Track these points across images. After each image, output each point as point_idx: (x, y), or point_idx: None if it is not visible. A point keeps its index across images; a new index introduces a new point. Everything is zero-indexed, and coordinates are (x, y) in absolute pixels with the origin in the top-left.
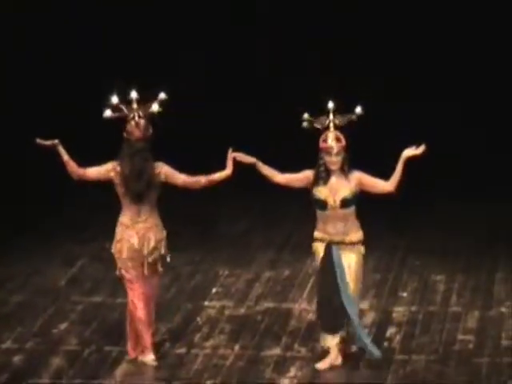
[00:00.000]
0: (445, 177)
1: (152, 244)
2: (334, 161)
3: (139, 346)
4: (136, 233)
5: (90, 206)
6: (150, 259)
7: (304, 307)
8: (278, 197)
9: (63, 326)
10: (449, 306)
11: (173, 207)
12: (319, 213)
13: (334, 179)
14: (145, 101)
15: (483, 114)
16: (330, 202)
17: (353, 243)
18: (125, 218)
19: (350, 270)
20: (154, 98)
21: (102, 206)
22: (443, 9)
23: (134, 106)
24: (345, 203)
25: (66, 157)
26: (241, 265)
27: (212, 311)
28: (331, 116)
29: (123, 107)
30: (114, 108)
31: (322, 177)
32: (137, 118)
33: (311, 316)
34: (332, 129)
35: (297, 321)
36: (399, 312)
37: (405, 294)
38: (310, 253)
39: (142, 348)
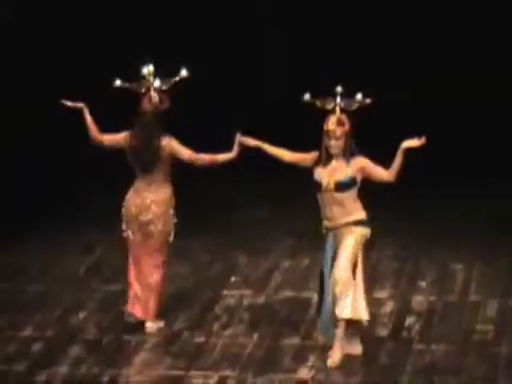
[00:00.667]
0: (464, 165)
1: (149, 216)
2: (333, 144)
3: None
4: (141, 200)
5: (108, 194)
6: (142, 229)
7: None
8: (298, 184)
9: (82, 314)
10: (468, 295)
11: (194, 195)
12: (318, 195)
13: (334, 162)
14: (160, 75)
15: None
16: (325, 183)
17: (349, 224)
18: (137, 183)
19: (341, 252)
20: (173, 74)
21: (120, 193)
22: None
23: (148, 79)
24: (339, 187)
25: (89, 120)
26: (260, 253)
27: (231, 300)
28: (338, 99)
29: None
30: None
31: (323, 159)
32: (151, 91)
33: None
34: (337, 112)
35: (316, 310)
36: (418, 301)
37: (424, 283)
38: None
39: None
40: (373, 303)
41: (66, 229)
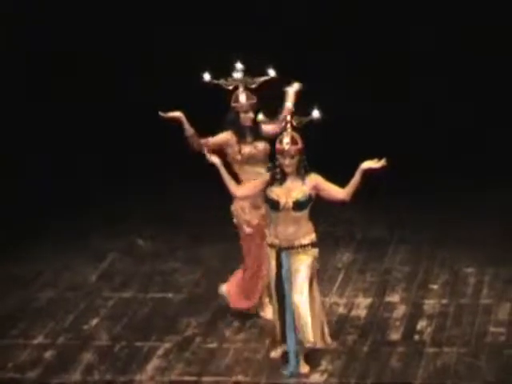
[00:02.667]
0: (470, 167)
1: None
2: (288, 163)
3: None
4: None
5: (120, 201)
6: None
7: (334, 300)
8: None
9: (94, 321)
10: (480, 299)
11: (204, 200)
12: (272, 214)
13: (289, 181)
14: (250, 73)
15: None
16: (282, 202)
17: (303, 246)
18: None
19: (297, 274)
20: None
21: (132, 201)
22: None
23: (239, 76)
24: (297, 205)
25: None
26: None
27: None
28: (288, 117)
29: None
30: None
31: (278, 178)
32: (240, 88)
33: (342, 309)
34: (289, 130)
35: (327, 314)
36: (430, 305)
37: (435, 287)
38: (338, 246)
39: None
40: (385, 307)
41: (77, 236)
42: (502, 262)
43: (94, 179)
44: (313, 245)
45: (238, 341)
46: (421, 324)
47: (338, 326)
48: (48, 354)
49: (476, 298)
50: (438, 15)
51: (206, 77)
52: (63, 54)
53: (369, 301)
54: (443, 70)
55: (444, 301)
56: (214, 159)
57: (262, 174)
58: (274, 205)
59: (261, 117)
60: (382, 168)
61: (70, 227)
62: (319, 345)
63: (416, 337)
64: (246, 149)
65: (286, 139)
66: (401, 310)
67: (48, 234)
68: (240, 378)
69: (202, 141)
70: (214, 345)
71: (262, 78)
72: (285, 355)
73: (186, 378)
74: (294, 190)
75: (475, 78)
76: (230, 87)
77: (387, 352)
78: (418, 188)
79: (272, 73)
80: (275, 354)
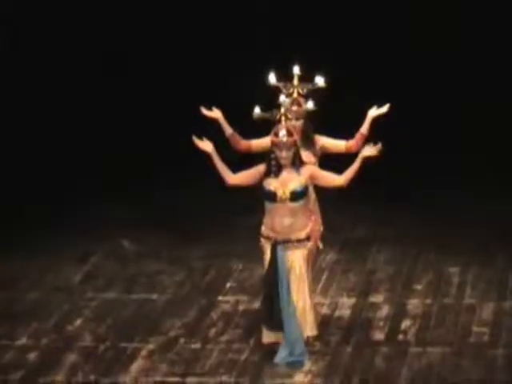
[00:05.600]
0: (454, 169)
1: None
2: (284, 155)
3: None
4: None
5: (103, 203)
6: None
7: (318, 300)
8: None
9: (78, 322)
10: (463, 299)
11: (190, 202)
12: (268, 206)
13: (284, 173)
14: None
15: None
16: (280, 193)
17: (299, 240)
18: None
19: (293, 270)
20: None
21: (116, 203)
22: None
23: (295, 82)
24: (294, 196)
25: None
26: (255, 259)
27: (226, 306)
28: (283, 109)
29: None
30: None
31: (273, 170)
32: (295, 94)
33: (326, 309)
34: (283, 122)
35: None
36: (414, 304)
37: (419, 287)
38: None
39: None
40: (369, 307)
41: (61, 238)
42: (486, 262)
43: (80, 180)
44: (308, 238)
45: (222, 341)
46: (405, 324)
47: (322, 326)
48: (32, 355)
49: (460, 298)
50: None
51: (272, 79)
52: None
53: (353, 301)
54: None
55: (428, 301)
56: (206, 146)
57: None
58: (271, 196)
59: (257, 111)
60: (380, 154)
61: (53, 228)
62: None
63: (400, 337)
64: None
65: (282, 131)
66: (385, 310)
67: (32, 234)
68: (224, 378)
69: (244, 142)
70: (198, 345)
71: (312, 86)
72: (277, 343)
73: (170, 379)
74: (291, 180)
75: None
76: (288, 92)
77: (371, 352)
78: (401, 188)
79: (321, 81)
80: (268, 339)
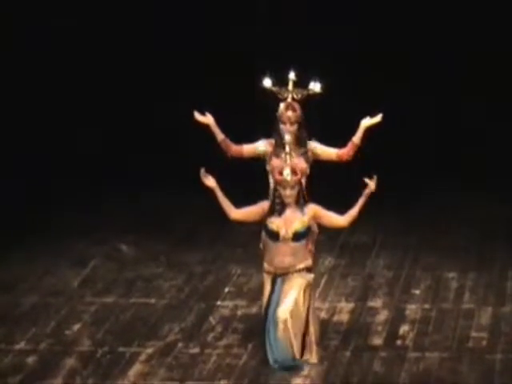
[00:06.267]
0: (455, 173)
1: None
2: (288, 194)
3: None
4: None
5: (102, 207)
6: None
7: (317, 305)
8: None
9: (76, 326)
10: (462, 303)
11: (187, 206)
12: (269, 244)
13: (288, 212)
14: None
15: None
16: (282, 232)
17: (299, 270)
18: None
19: (290, 289)
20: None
21: (114, 207)
22: None
23: (290, 87)
24: (297, 236)
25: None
26: (253, 264)
27: (225, 311)
28: (287, 148)
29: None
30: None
31: (277, 209)
32: (290, 99)
33: (324, 314)
34: (288, 161)
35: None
36: (412, 309)
37: (418, 292)
38: (321, 250)
39: None
40: (367, 312)
41: (59, 241)
42: (484, 267)
43: (79, 184)
44: (308, 269)
45: (220, 346)
46: (403, 329)
47: (321, 330)
48: (30, 360)
49: (458, 303)
50: None
51: (267, 82)
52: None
53: (351, 305)
54: None
55: (426, 306)
56: (210, 182)
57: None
58: (273, 235)
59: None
60: (377, 190)
61: (52, 232)
62: (302, 357)
63: (398, 341)
64: (276, 162)
65: (287, 170)
66: (383, 315)
67: (30, 238)
68: (222, 383)
69: (235, 147)
70: (196, 350)
71: (308, 91)
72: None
73: None
74: (294, 220)
75: None
76: (283, 96)
77: (369, 357)
78: (400, 193)
79: (318, 87)
80: None
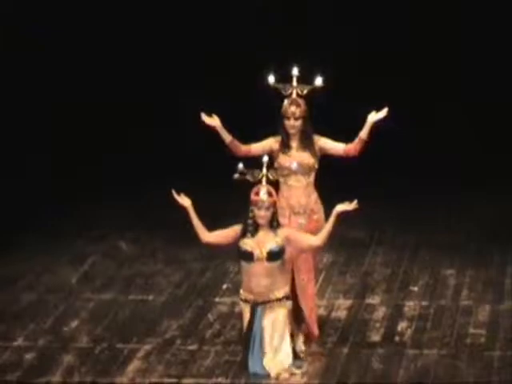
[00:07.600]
0: (452, 170)
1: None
2: (263, 215)
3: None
4: None
5: (100, 204)
6: None
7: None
8: None
9: (74, 323)
10: (460, 300)
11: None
12: (245, 267)
13: (261, 233)
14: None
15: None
16: (257, 253)
17: (279, 299)
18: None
19: (272, 325)
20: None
21: (112, 204)
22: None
23: (294, 83)
24: (271, 256)
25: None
26: None
27: (223, 307)
28: (264, 170)
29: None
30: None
31: (250, 230)
32: (294, 95)
33: (322, 311)
34: (264, 182)
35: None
36: (410, 306)
37: (416, 289)
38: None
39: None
40: (365, 309)
41: (57, 238)
42: (482, 264)
43: (77, 181)
44: (287, 297)
45: (218, 343)
46: (401, 325)
47: (319, 327)
48: (28, 356)
49: (456, 300)
50: None
51: (271, 80)
52: None
53: (349, 302)
54: None
55: (424, 302)
56: (184, 202)
57: (294, 186)
58: (247, 256)
59: (240, 167)
60: (356, 210)
61: (50, 229)
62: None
63: (396, 338)
64: (283, 159)
65: (263, 190)
66: (381, 312)
67: (29, 235)
68: (220, 380)
69: (243, 148)
70: (194, 347)
71: (311, 87)
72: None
73: (167, 380)
74: (268, 241)
75: None
76: (287, 93)
77: (367, 354)
78: (398, 190)
79: (319, 82)
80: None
